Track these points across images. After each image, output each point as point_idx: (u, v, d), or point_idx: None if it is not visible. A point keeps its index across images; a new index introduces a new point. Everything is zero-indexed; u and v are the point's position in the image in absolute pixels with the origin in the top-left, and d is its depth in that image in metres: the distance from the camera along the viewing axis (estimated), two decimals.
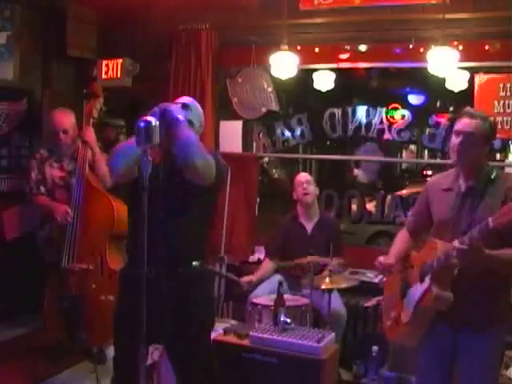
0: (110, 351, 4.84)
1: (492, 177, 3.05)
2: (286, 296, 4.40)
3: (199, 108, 3.51)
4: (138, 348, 3.21)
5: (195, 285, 3.30)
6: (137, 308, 3.15)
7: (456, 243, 2.82)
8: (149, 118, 2.78)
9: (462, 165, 3.10)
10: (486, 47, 5.20)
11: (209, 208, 3.46)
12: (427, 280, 3.04)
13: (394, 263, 3.38)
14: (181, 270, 3.24)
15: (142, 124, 2.75)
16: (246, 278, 5.13)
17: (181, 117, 3.13)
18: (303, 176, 5.39)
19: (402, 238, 3.50)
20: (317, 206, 5.35)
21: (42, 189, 5.09)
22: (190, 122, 3.30)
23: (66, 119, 5.09)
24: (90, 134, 4.95)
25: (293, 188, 5.35)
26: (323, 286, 4.62)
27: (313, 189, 5.27)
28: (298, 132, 6.70)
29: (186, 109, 3.35)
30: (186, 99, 3.49)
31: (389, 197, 6.42)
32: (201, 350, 3.40)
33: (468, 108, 3.19)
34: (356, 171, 12.05)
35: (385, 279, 3.74)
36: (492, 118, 3.30)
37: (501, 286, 3.10)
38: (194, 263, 3.33)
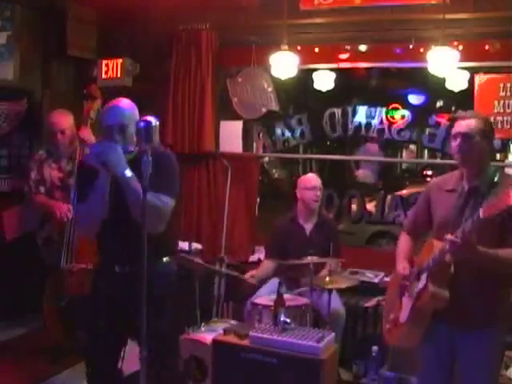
0: None
1: (495, 179, 3.07)
2: (285, 296, 4.38)
3: (132, 108, 3.34)
4: (110, 345, 3.36)
5: (159, 283, 3.27)
6: (109, 306, 3.23)
7: (449, 236, 2.84)
8: (149, 118, 2.80)
9: (467, 165, 3.11)
10: (486, 47, 5.18)
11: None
12: (424, 278, 3.06)
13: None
14: (145, 267, 3.21)
15: (141, 124, 2.77)
16: (248, 274, 5.16)
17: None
18: (316, 180, 5.28)
19: (405, 243, 3.47)
20: (317, 208, 5.33)
21: (42, 189, 5.09)
22: (125, 126, 3.20)
23: (64, 120, 5.10)
24: (87, 134, 4.95)
25: (297, 187, 5.28)
26: (323, 286, 4.63)
27: (321, 195, 5.26)
28: (298, 132, 6.70)
29: (121, 131, 3.20)
30: (120, 103, 3.32)
31: (389, 197, 6.42)
32: (168, 349, 3.44)
33: (460, 112, 3.19)
34: (357, 172, 12.05)
35: (386, 279, 3.74)
36: (488, 116, 3.31)
37: (500, 285, 3.09)
38: (159, 260, 3.36)
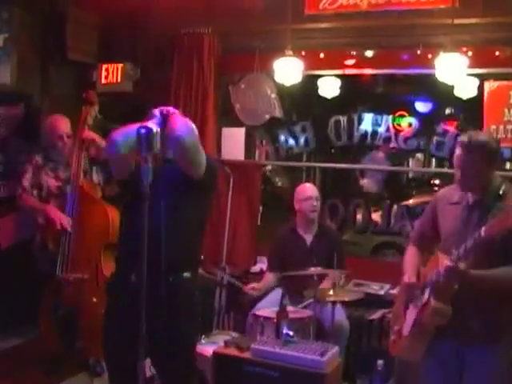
0: None
1: (500, 192, 3.04)
2: (288, 308, 4.34)
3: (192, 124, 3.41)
4: (127, 360, 3.09)
5: (180, 297, 3.19)
6: (124, 319, 3.09)
7: (447, 260, 2.91)
8: (150, 125, 2.70)
9: (468, 188, 3.10)
10: (496, 53, 5.16)
11: (199, 217, 3.35)
12: (427, 293, 3.07)
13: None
14: (168, 279, 3.13)
15: (143, 131, 2.65)
16: (249, 286, 5.11)
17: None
18: (312, 190, 5.25)
19: (412, 254, 3.43)
20: (316, 218, 5.24)
21: (35, 193, 5.02)
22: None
23: (67, 124, 5.10)
24: (90, 133, 4.89)
25: (294, 198, 5.24)
26: (327, 299, 4.57)
27: (319, 205, 5.19)
28: (301, 139, 6.64)
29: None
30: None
31: (395, 207, 6.37)
32: (182, 364, 3.30)
33: (464, 137, 3.06)
34: (362, 180, 11.99)
35: (392, 292, 3.70)
36: (495, 137, 3.27)
37: (504, 300, 3.05)
38: (183, 274, 3.23)
